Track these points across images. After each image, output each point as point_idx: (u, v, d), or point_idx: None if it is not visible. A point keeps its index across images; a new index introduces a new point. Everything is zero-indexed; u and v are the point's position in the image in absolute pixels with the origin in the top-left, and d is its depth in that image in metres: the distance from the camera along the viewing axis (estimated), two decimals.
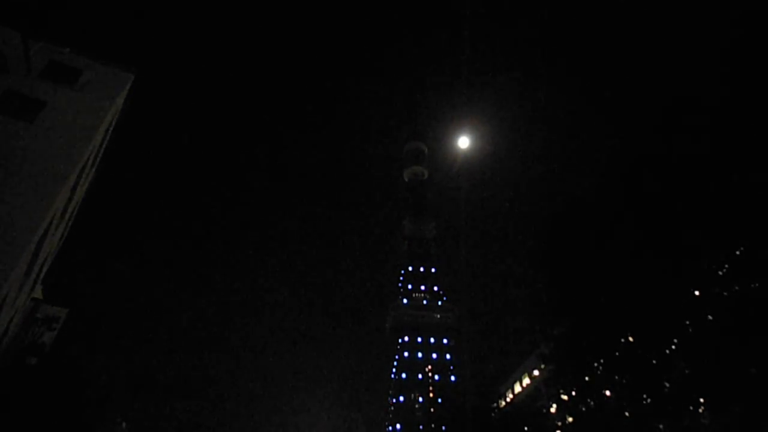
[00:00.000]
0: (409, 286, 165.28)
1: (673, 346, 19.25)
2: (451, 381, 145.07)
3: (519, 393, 60.99)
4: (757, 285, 16.47)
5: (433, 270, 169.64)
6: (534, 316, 26.50)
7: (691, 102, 18.83)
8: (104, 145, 32.68)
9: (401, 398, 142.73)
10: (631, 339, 20.76)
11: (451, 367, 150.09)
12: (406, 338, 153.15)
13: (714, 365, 17.17)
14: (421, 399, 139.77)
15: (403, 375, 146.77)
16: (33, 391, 22.60)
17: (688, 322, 18.68)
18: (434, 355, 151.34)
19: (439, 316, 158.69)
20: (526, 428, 35.15)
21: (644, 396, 19.86)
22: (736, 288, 17.11)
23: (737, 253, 17.13)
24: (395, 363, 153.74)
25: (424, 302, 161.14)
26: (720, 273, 17.66)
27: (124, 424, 46.47)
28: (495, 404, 40.86)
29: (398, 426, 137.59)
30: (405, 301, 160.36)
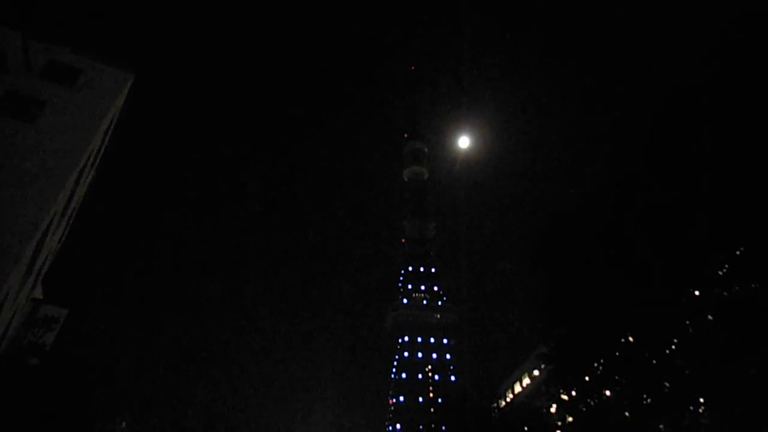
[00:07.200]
0: (409, 286, 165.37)
1: (673, 346, 19.26)
2: (451, 381, 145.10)
3: (519, 393, 61.07)
4: (757, 285, 16.48)
5: (433, 270, 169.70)
6: (534, 316, 26.51)
7: (690, 100, 18.80)
8: (104, 145, 32.69)
9: (401, 398, 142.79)
10: (631, 339, 20.77)
11: (451, 367, 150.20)
12: (406, 338, 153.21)
13: (714, 365, 17.19)
14: (421, 399, 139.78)
15: (403, 375, 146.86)
16: (33, 392, 22.58)
17: (688, 322, 18.70)
18: (434, 355, 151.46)
19: (439, 316, 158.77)
20: (526, 428, 35.16)
21: (644, 396, 19.88)
22: (736, 288, 17.12)
23: (737, 253, 17.13)
24: (395, 363, 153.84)
25: (424, 302, 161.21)
26: (720, 273, 17.66)
27: (124, 424, 46.43)
28: (495, 404, 40.91)
29: (398, 426, 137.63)
30: (405, 301, 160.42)
